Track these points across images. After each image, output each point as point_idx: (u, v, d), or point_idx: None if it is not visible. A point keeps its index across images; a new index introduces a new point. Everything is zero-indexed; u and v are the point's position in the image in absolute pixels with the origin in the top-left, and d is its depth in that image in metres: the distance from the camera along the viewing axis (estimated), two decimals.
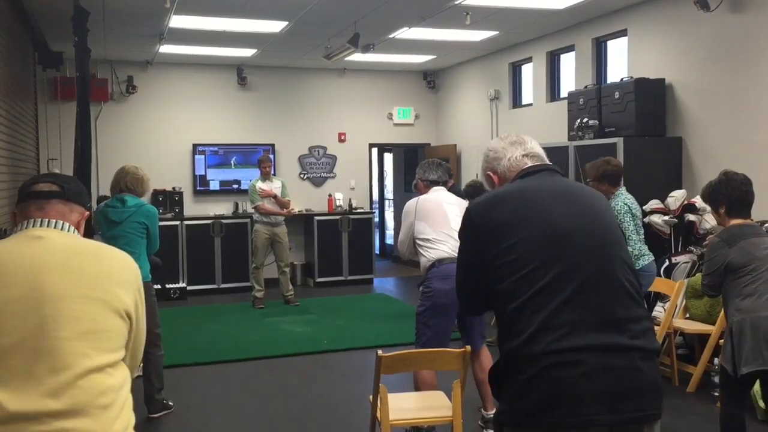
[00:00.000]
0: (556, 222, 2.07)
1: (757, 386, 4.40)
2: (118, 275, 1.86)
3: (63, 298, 1.73)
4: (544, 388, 1.92)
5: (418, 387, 4.22)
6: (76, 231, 1.95)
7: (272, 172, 9.00)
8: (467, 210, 2.19)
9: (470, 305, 2.37)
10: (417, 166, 4.81)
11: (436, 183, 4.51)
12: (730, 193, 3.66)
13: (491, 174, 2.32)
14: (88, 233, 6.10)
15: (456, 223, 4.07)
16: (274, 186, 8.77)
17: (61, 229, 1.90)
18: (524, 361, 1.95)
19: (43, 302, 1.71)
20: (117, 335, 1.81)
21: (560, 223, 2.07)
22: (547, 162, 2.29)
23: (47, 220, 1.89)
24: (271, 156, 9.78)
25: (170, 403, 5.07)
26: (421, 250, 4.32)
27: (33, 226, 1.87)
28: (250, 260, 9.85)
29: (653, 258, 5.17)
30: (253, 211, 8.94)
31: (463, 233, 2.21)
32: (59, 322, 1.71)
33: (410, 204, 4.42)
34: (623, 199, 5.05)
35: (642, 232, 5.14)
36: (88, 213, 2.05)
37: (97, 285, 1.80)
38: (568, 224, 2.07)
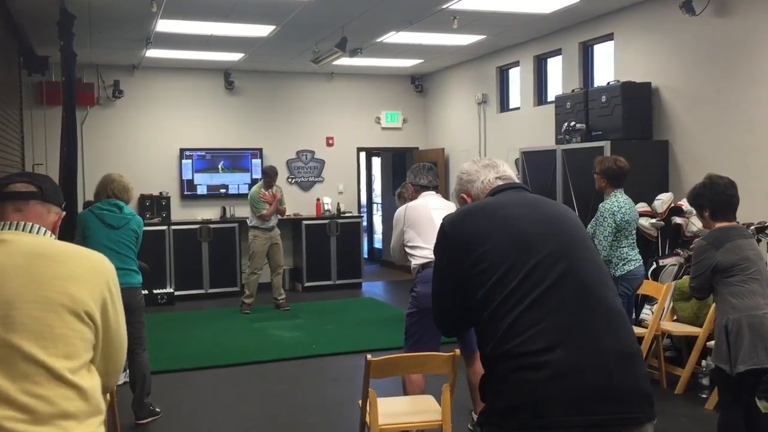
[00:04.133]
0: (522, 228, 2.12)
1: None
2: (80, 276, 1.80)
3: (20, 304, 1.70)
4: (513, 390, 1.95)
5: (406, 390, 4.23)
6: (51, 233, 1.91)
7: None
8: (441, 225, 2.24)
9: (446, 323, 2.33)
10: (405, 170, 4.89)
11: (426, 188, 4.56)
12: (714, 197, 3.70)
13: (465, 196, 2.41)
14: (69, 236, 6.08)
15: None
16: (274, 191, 8.80)
17: (36, 232, 1.86)
18: (496, 363, 2.00)
19: (1, 307, 1.69)
20: (77, 339, 1.75)
21: (526, 229, 2.12)
22: (515, 182, 2.40)
23: (23, 222, 1.85)
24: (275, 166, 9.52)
25: (158, 410, 5.03)
26: (409, 257, 4.44)
27: (8, 229, 1.84)
28: (238, 265, 9.83)
29: (641, 262, 5.19)
30: (249, 218, 8.84)
31: (438, 248, 2.25)
32: (13, 330, 1.67)
33: (399, 212, 4.54)
34: (612, 203, 5.06)
35: (633, 236, 5.16)
36: (64, 213, 2.01)
37: (55, 288, 1.75)
38: (534, 229, 2.12)
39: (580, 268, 2.07)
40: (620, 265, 5.03)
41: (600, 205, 5.15)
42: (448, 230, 2.19)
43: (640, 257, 5.19)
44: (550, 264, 2.04)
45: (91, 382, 1.77)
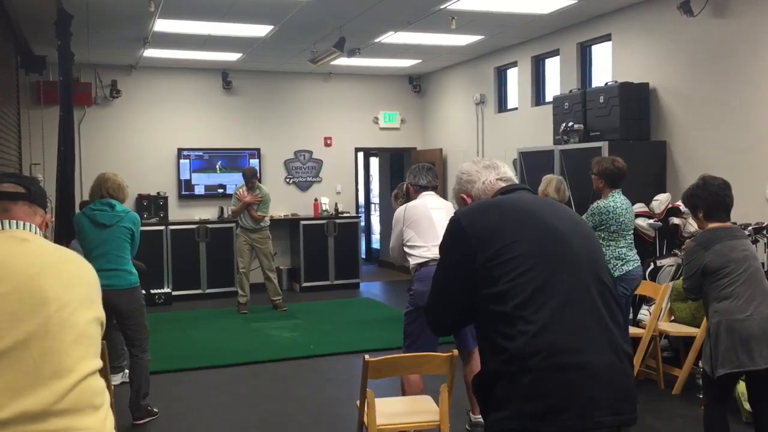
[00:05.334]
0: (551, 224, 2.09)
1: (742, 388, 4.45)
2: (95, 284, 1.87)
3: (65, 302, 1.73)
4: (557, 391, 1.90)
5: (404, 391, 4.22)
6: (41, 234, 1.94)
7: (257, 184, 8.89)
8: (456, 217, 2.15)
9: (446, 321, 2.27)
10: (403, 170, 4.89)
11: (425, 188, 4.56)
12: (707, 198, 3.71)
13: (465, 196, 2.37)
14: (66, 237, 6.07)
15: (441, 227, 4.11)
16: (254, 194, 8.72)
17: (34, 233, 1.88)
18: (531, 363, 1.91)
19: (46, 304, 1.71)
20: (98, 341, 1.82)
21: (554, 224, 2.10)
22: (522, 184, 2.40)
23: (15, 221, 1.86)
24: (256, 168, 9.33)
25: (155, 410, 5.02)
26: (408, 256, 4.43)
27: (9, 228, 1.85)
28: (235, 265, 9.80)
29: (639, 262, 5.19)
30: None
31: (449, 242, 2.16)
32: (63, 326, 1.71)
33: (399, 211, 4.54)
34: (608, 202, 5.06)
35: (630, 237, 5.17)
36: (49, 215, 2.03)
37: (84, 291, 1.80)
38: (562, 226, 2.10)
39: (599, 270, 2.08)
40: (618, 265, 5.02)
41: (595, 203, 5.15)
42: (465, 223, 2.10)
43: (638, 258, 5.19)
44: (578, 262, 2.04)
45: (103, 379, 1.85)
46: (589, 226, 2.32)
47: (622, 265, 5.02)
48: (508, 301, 1.96)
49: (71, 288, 1.77)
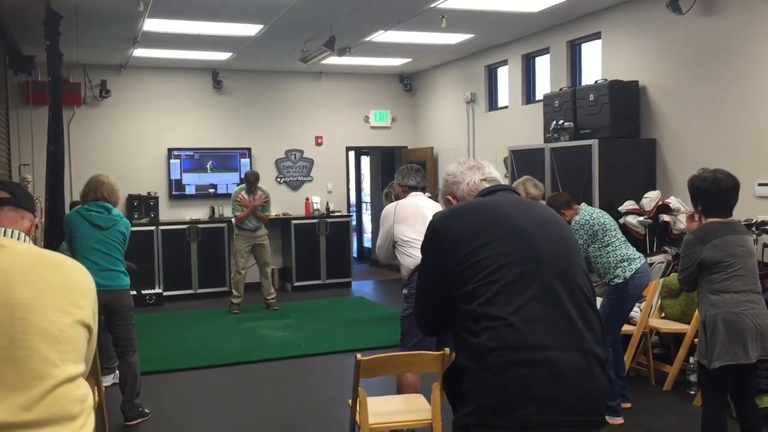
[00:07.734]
0: (519, 226, 2.13)
1: None
2: (79, 286, 1.83)
3: (33, 308, 1.70)
4: (513, 386, 1.92)
5: (401, 390, 4.21)
6: (29, 239, 1.92)
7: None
8: (431, 221, 2.21)
9: (431, 323, 2.31)
10: (394, 169, 4.87)
11: (414, 188, 4.54)
12: (713, 196, 3.65)
13: (450, 198, 2.40)
14: (58, 238, 6.04)
15: None
16: (257, 197, 8.75)
17: (18, 238, 1.86)
18: (490, 358, 1.95)
19: (13, 311, 1.67)
20: (81, 346, 1.78)
21: (523, 226, 2.13)
22: (504, 184, 2.41)
23: (2, 229, 1.85)
24: (257, 172, 9.36)
25: (147, 411, 5.00)
26: (403, 251, 4.30)
27: None
28: (227, 265, 9.80)
29: (644, 259, 5.04)
30: (233, 217, 8.90)
31: (426, 246, 2.22)
32: (30, 332, 1.67)
33: (389, 208, 4.45)
34: (582, 215, 4.96)
35: (621, 234, 5.12)
36: (36, 220, 2.01)
37: (62, 295, 1.77)
38: (530, 228, 2.13)
39: (572, 272, 2.09)
40: (626, 266, 4.82)
41: (573, 220, 5.03)
42: (439, 227, 2.16)
43: (639, 253, 5.03)
44: (546, 263, 2.05)
45: (87, 385, 1.81)
46: (567, 227, 2.31)
47: (629, 264, 4.84)
48: (474, 299, 2.01)
49: (43, 293, 1.72)
